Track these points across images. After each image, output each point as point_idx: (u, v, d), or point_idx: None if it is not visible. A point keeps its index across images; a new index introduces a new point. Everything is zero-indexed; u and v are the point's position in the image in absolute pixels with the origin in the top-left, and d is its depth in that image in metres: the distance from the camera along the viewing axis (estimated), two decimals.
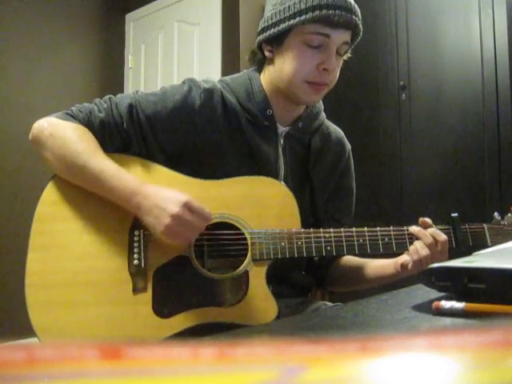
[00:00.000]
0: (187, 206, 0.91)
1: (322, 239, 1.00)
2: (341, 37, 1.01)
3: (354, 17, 1.00)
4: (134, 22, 3.74)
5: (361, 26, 1.03)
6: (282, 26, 1.02)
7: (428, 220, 1.03)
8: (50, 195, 1.00)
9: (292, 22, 1.00)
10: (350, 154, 1.23)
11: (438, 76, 2.27)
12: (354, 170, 1.25)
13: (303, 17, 0.98)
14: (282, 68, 1.05)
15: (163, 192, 0.93)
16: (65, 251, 0.97)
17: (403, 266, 1.02)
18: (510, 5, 2.04)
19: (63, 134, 0.99)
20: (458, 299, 0.50)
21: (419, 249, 0.99)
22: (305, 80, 1.02)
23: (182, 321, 0.96)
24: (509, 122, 2.04)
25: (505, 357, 0.15)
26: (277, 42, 1.05)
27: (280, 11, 1.02)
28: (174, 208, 0.90)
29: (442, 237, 1.00)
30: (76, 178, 0.99)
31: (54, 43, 3.39)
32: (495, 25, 2.07)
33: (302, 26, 1.00)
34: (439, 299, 0.52)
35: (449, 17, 2.24)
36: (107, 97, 1.06)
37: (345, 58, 1.08)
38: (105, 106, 1.03)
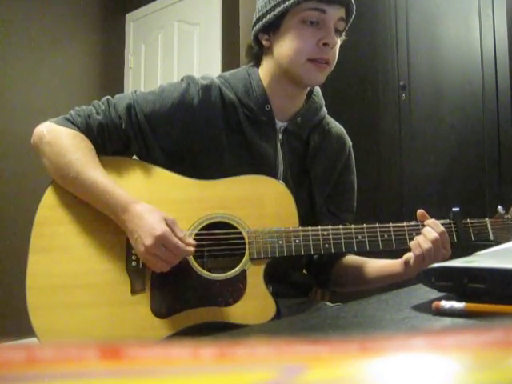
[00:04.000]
0: (161, 241, 0.91)
1: (320, 237, 0.99)
2: (336, 12, 1.02)
3: None
4: (134, 21, 3.74)
5: (353, 3, 1.05)
6: (278, 9, 1.03)
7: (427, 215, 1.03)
8: (49, 199, 1.00)
9: (287, 3, 1.01)
10: (351, 150, 1.23)
11: (437, 76, 2.26)
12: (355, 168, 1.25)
13: None
14: (281, 52, 1.05)
15: (146, 217, 0.93)
16: (64, 254, 0.97)
17: (406, 262, 1.01)
18: (510, 5, 2.04)
19: (60, 142, 1.00)
20: (458, 299, 0.50)
21: (421, 243, 0.98)
22: (307, 58, 1.02)
23: (180, 321, 0.96)
24: (509, 122, 2.04)
25: (505, 357, 0.15)
26: (274, 28, 1.05)
27: None
28: (148, 240, 0.90)
29: (440, 228, 1.00)
30: (70, 187, 1.00)
31: (54, 43, 3.39)
32: (495, 25, 2.06)
33: (297, 5, 1.01)
34: (439, 299, 0.52)
35: (449, 17, 2.24)
36: (105, 98, 1.06)
37: (340, 41, 1.08)
38: (103, 107, 1.04)
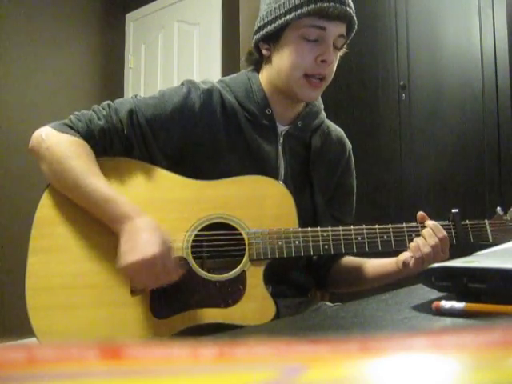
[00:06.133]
0: (147, 264, 0.88)
1: (320, 238, 1.00)
2: (336, 29, 1.02)
3: (348, 9, 1.02)
4: (134, 21, 3.74)
5: (355, 18, 1.05)
6: (279, 22, 1.03)
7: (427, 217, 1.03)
8: (49, 199, 1.00)
9: (288, 17, 1.01)
10: (351, 152, 1.23)
11: (437, 76, 2.27)
12: (355, 170, 1.25)
13: (299, 11, 1.00)
14: (280, 64, 1.05)
15: (148, 232, 0.91)
16: (64, 254, 0.97)
17: (405, 263, 1.02)
18: (510, 5, 2.04)
19: (59, 148, 0.98)
20: (458, 299, 0.50)
21: (421, 246, 0.98)
22: (303, 73, 1.02)
23: (179, 322, 0.96)
24: (509, 122, 2.04)
25: (505, 357, 0.15)
26: (274, 39, 1.06)
27: (275, 8, 1.03)
28: (135, 256, 0.88)
29: (442, 233, 1.00)
30: (68, 194, 0.98)
31: (54, 43, 3.39)
32: (495, 25, 2.06)
33: (298, 20, 1.01)
34: (439, 299, 0.52)
35: (449, 17, 2.24)
36: (106, 103, 1.05)
37: (341, 53, 1.08)
38: (104, 112, 1.03)
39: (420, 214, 1.04)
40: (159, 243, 0.90)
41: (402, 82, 2.35)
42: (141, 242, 0.90)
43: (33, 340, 0.92)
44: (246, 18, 2.87)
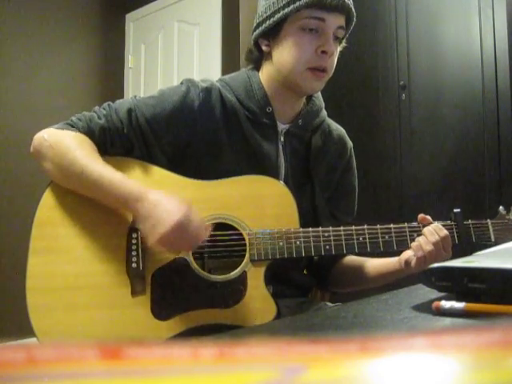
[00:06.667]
0: (183, 223, 0.89)
1: (321, 238, 0.99)
2: (335, 20, 1.02)
3: (346, 0, 1.02)
4: (134, 22, 3.74)
5: (354, 11, 1.05)
6: (277, 16, 1.03)
7: (427, 217, 1.03)
8: (49, 199, 1.00)
9: (286, 10, 1.01)
10: (352, 152, 1.23)
11: (438, 76, 2.26)
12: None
13: (297, 3, 1.00)
14: (281, 59, 1.05)
15: (165, 201, 0.91)
16: (65, 255, 0.97)
17: (407, 262, 1.02)
18: (510, 5, 2.04)
19: (62, 143, 0.99)
20: (458, 299, 0.50)
21: (423, 244, 0.98)
22: (306, 67, 1.02)
23: (180, 323, 0.96)
24: (509, 122, 2.04)
25: (505, 357, 0.15)
26: (273, 34, 1.06)
27: (273, 3, 1.04)
28: (169, 223, 0.88)
29: (443, 232, 1.00)
30: (75, 185, 0.98)
31: (54, 43, 3.39)
32: (495, 25, 2.06)
33: (296, 13, 1.01)
34: (439, 299, 0.52)
35: (449, 17, 2.24)
36: (106, 103, 1.06)
37: (340, 48, 1.08)
38: (104, 112, 1.03)
39: (421, 216, 1.04)
40: (179, 208, 0.90)
41: (402, 82, 2.35)
42: (162, 213, 0.89)
43: (33, 340, 0.92)
44: (246, 17, 2.87)
